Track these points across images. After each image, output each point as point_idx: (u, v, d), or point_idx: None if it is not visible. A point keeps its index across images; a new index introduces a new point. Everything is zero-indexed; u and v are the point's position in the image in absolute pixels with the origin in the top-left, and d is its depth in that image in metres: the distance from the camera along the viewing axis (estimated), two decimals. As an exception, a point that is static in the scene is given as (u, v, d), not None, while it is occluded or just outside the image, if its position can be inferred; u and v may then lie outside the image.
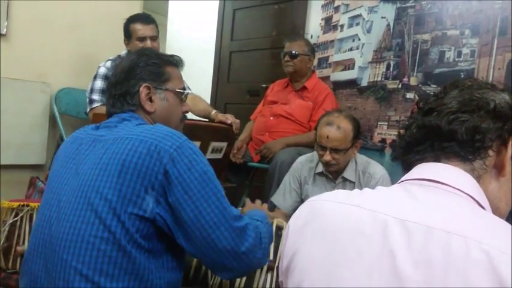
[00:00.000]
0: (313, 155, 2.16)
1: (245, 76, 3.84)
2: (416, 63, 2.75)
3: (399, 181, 0.73)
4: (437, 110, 0.71)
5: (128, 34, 2.55)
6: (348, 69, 3.10)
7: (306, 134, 2.64)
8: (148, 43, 2.50)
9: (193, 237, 1.01)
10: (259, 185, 2.82)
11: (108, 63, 2.59)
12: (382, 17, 2.94)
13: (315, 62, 3.17)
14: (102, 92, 2.54)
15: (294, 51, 2.80)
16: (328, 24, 3.27)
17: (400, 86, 2.80)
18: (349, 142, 1.93)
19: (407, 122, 0.76)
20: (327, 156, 1.92)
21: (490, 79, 2.44)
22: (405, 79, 2.78)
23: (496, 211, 0.69)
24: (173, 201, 0.99)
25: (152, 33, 2.53)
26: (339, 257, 0.64)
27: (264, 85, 3.35)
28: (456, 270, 0.54)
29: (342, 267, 0.63)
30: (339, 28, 3.19)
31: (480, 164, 0.68)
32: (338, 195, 0.72)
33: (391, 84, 2.85)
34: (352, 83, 3.07)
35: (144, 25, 2.51)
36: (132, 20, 2.55)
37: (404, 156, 0.75)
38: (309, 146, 2.43)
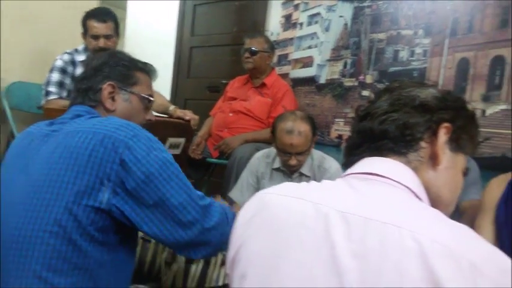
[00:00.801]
0: (270, 150, 2.18)
1: (205, 72, 3.82)
2: (372, 62, 2.82)
3: (342, 175, 0.75)
4: (371, 114, 0.75)
5: (85, 29, 2.52)
6: (307, 67, 3.14)
7: (264, 130, 2.66)
8: (102, 42, 2.46)
9: (159, 220, 1.01)
10: (218, 181, 2.82)
11: (65, 56, 2.55)
12: (340, 16, 3.00)
13: (275, 59, 3.19)
14: (59, 84, 2.48)
15: (253, 48, 2.81)
16: (288, 22, 3.30)
17: (356, 83, 2.87)
18: (310, 142, 1.97)
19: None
20: (293, 161, 1.96)
21: (441, 78, 2.54)
22: (361, 77, 2.85)
23: (437, 199, 0.71)
24: (133, 189, 0.98)
25: (107, 32, 2.48)
26: (282, 249, 0.65)
27: (224, 81, 3.34)
28: (390, 259, 0.55)
29: (284, 259, 0.64)
30: (299, 26, 3.23)
31: (415, 156, 0.70)
32: (286, 188, 0.73)
33: (348, 82, 2.91)
34: (310, 80, 3.11)
35: (99, 23, 2.47)
36: (88, 15, 2.50)
37: (346, 159, 0.78)
38: (268, 142, 2.45)
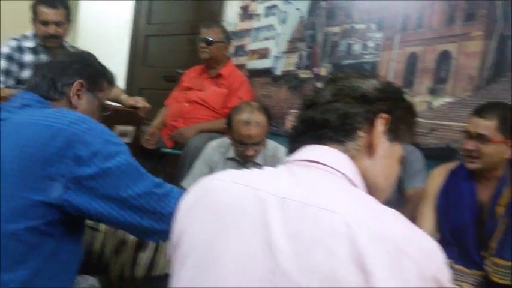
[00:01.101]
0: (224, 140, 2.18)
1: (161, 61, 3.77)
2: (327, 55, 2.87)
3: (285, 161, 0.77)
4: (315, 104, 0.77)
5: (34, 15, 2.41)
6: (264, 58, 3.16)
7: (219, 121, 2.65)
8: (52, 29, 2.37)
9: (118, 212, 1.00)
10: (172, 171, 2.79)
11: (12, 43, 2.45)
12: (296, 9, 3.03)
13: (232, 49, 3.18)
14: (5, 73, 2.37)
15: (209, 38, 2.79)
16: (246, 13, 3.30)
17: (311, 75, 2.91)
18: (266, 132, 1.98)
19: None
20: (250, 152, 1.97)
21: (391, 71, 2.62)
22: (316, 69, 2.89)
23: (373, 186, 0.74)
24: (90, 183, 0.96)
25: (57, 19, 2.39)
26: (221, 233, 0.66)
27: (180, 71, 3.30)
28: (322, 241, 0.58)
29: (223, 243, 0.65)
30: (256, 17, 3.23)
31: (353, 145, 0.73)
32: (230, 175, 0.74)
33: (303, 74, 2.95)
34: (267, 72, 3.13)
35: (49, 9, 2.37)
36: (38, 0, 2.39)
37: (290, 146, 0.80)
38: (222, 133, 2.45)
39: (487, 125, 1.53)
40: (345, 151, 0.72)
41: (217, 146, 2.19)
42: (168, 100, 3.00)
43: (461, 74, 2.39)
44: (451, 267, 1.60)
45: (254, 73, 3.19)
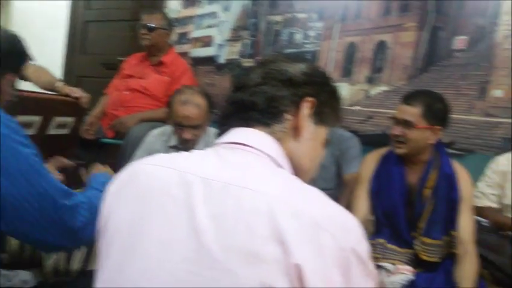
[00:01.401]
0: (166, 128, 2.15)
1: (101, 48, 3.64)
2: (269, 43, 2.89)
3: (213, 144, 0.77)
4: (244, 86, 0.78)
5: None
6: (207, 46, 3.13)
7: (161, 109, 2.61)
8: None
9: (12, 217, 0.93)
10: (112, 162, 2.72)
11: None
12: (239, -4, 3.02)
13: (175, 37, 3.13)
14: None
15: (151, 25, 2.73)
16: (188, 0, 3.25)
17: (254, 64, 2.92)
18: (206, 117, 1.96)
19: None
20: (188, 135, 1.94)
21: (332, 61, 2.68)
22: (259, 58, 2.91)
23: (298, 168, 0.77)
24: None
25: None
26: (146, 217, 0.66)
27: (121, 58, 3.20)
28: (244, 220, 0.60)
29: (147, 226, 0.65)
30: (199, 4, 3.20)
31: (279, 127, 0.75)
32: (159, 158, 0.74)
33: (247, 63, 2.96)
34: (210, 60, 3.11)
35: None
36: None
37: (219, 129, 0.81)
38: (164, 122, 2.41)
39: (412, 112, 1.60)
40: (272, 133, 0.74)
41: (158, 134, 2.15)
42: (108, 88, 2.91)
43: (396, 64, 2.50)
44: (385, 247, 1.68)
45: (197, 61, 3.16)
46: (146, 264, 0.63)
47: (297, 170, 0.76)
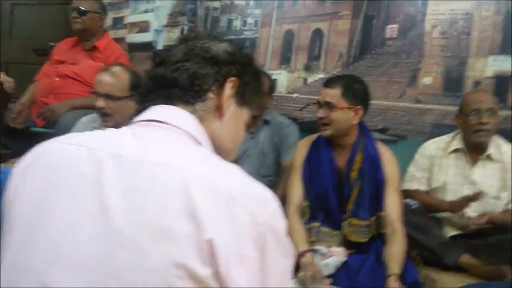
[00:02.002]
0: (96, 115, 2.06)
1: (31, 33, 3.45)
2: (208, 30, 2.85)
3: (130, 122, 0.75)
4: (165, 61, 0.75)
5: None
6: (144, 32, 3.04)
7: (94, 96, 2.51)
8: None
9: None
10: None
11: None
12: (176, -19, 2.95)
13: (109, 21, 3.01)
14: None
15: (82, 8, 2.60)
16: (124, -17, 3.14)
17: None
18: (124, 91, 1.85)
19: None
20: (100, 103, 1.84)
21: (270, 48, 2.69)
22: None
23: (220, 147, 0.76)
24: None
25: None
26: (52, 196, 0.63)
27: (52, 43, 3.05)
28: (156, 196, 0.58)
29: (53, 205, 0.63)
30: (135, -12, 3.10)
31: (201, 106, 0.74)
32: (67, 137, 0.71)
33: (185, 49, 2.90)
34: (148, 46, 3.03)
35: None
36: None
37: (140, 105, 0.78)
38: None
39: (332, 93, 1.66)
40: (193, 112, 0.73)
41: (88, 121, 2.07)
42: (38, 75, 2.75)
43: (332, 51, 2.54)
44: (319, 230, 1.71)
45: (134, 47, 3.07)
46: (50, 245, 0.60)
47: (219, 150, 0.75)
